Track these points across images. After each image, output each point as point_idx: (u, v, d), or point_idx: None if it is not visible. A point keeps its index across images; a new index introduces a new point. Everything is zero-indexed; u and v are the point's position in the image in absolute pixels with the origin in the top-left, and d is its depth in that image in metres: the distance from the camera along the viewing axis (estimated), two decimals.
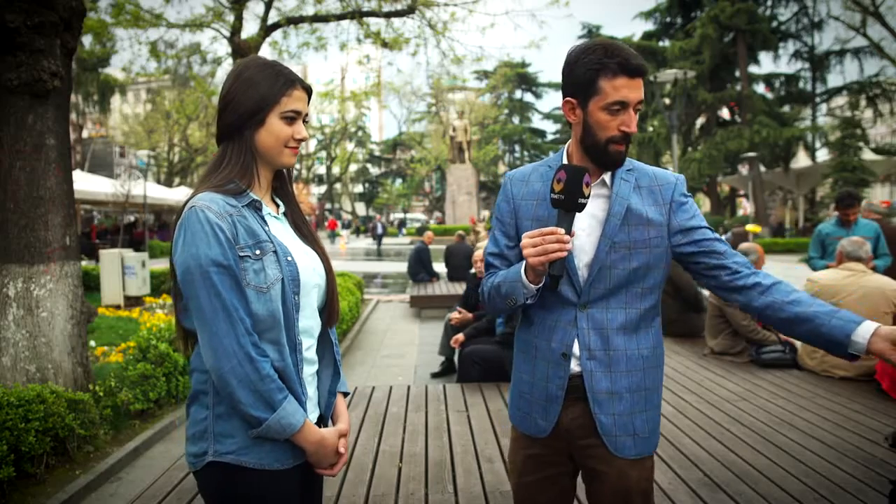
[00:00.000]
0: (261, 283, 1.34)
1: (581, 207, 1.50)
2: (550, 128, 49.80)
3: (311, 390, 1.50)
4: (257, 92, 1.40)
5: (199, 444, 1.37)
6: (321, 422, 1.53)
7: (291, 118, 1.43)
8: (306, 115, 1.48)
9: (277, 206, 1.53)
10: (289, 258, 1.40)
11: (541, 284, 1.56)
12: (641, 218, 1.60)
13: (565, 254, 1.47)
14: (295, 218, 1.55)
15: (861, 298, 4.65)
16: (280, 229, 1.47)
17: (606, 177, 1.63)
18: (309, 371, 1.49)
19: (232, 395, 1.30)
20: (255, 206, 1.41)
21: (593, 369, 1.61)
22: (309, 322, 1.47)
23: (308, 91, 1.47)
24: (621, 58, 1.49)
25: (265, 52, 11.74)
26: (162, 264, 12.71)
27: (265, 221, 1.42)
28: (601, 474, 1.66)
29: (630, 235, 1.59)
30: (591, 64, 1.51)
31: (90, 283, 9.54)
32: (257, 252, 1.35)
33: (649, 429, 1.64)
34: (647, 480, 1.66)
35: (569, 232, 1.51)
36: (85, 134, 36.36)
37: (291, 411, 1.34)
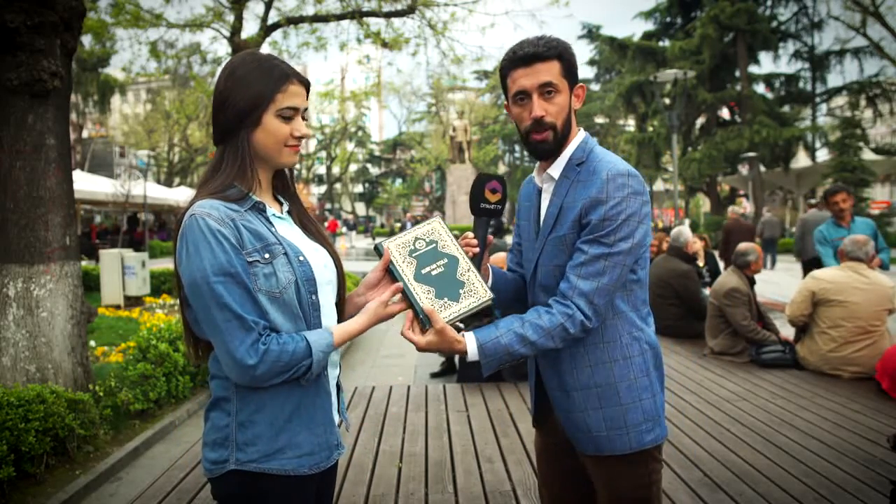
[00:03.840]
0: (273, 287, 1.30)
1: (485, 212, 1.62)
2: None
3: (333, 395, 1.47)
4: (250, 90, 1.33)
5: (218, 451, 1.34)
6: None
7: (288, 116, 1.36)
8: (305, 109, 1.42)
9: (281, 204, 1.49)
10: (301, 258, 1.36)
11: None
12: (570, 214, 1.56)
13: (472, 254, 1.59)
14: (300, 215, 1.51)
15: (863, 296, 4.76)
16: (287, 229, 1.43)
17: (553, 171, 1.62)
18: (333, 375, 1.47)
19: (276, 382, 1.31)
20: (259, 209, 1.37)
21: (544, 366, 1.67)
22: (329, 321, 1.43)
23: (306, 84, 1.41)
24: (512, 52, 1.58)
25: (265, 51, 11.72)
26: (162, 264, 12.70)
27: (271, 223, 1.38)
28: (590, 475, 1.68)
29: (558, 233, 1.58)
30: (501, 67, 1.63)
31: (90, 283, 9.52)
32: (266, 256, 1.31)
33: (609, 427, 1.57)
34: (635, 487, 1.60)
35: (478, 236, 1.60)
36: (85, 134, 36.32)
37: (319, 350, 1.31)
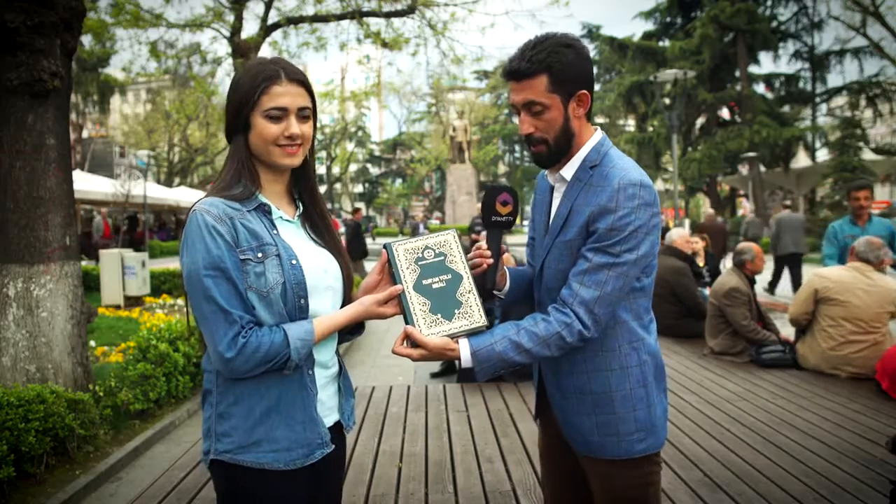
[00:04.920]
0: (261, 286, 1.33)
1: (496, 225, 1.61)
2: None
3: (327, 395, 1.48)
4: (239, 94, 1.38)
5: (206, 442, 1.41)
6: (339, 429, 1.52)
7: (275, 116, 1.37)
8: (305, 108, 1.41)
9: (297, 208, 1.51)
10: (293, 261, 1.38)
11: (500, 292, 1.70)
12: (579, 218, 1.53)
13: (485, 267, 1.56)
14: (314, 220, 1.52)
15: (866, 297, 4.76)
16: (290, 232, 1.45)
17: (565, 172, 1.60)
18: (324, 374, 1.47)
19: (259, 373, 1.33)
20: (264, 210, 1.41)
21: (545, 367, 1.68)
22: None
23: (300, 82, 1.40)
24: (507, 62, 1.56)
25: (265, 52, 11.74)
26: (162, 264, 12.70)
27: (274, 225, 1.40)
28: (587, 473, 1.68)
29: (565, 236, 1.56)
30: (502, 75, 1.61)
31: (90, 283, 9.52)
32: (259, 255, 1.34)
33: (601, 433, 1.57)
34: (630, 487, 1.60)
35: (492, 248, 1.59)
36: (85, 134, 36.31)
37: (297, 338, 1.33)
